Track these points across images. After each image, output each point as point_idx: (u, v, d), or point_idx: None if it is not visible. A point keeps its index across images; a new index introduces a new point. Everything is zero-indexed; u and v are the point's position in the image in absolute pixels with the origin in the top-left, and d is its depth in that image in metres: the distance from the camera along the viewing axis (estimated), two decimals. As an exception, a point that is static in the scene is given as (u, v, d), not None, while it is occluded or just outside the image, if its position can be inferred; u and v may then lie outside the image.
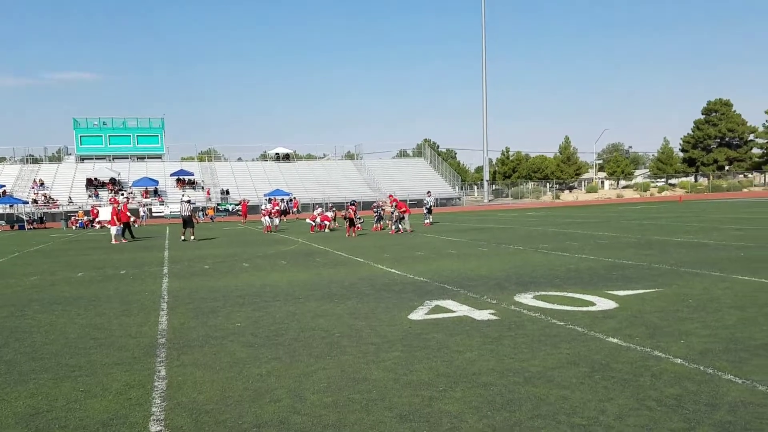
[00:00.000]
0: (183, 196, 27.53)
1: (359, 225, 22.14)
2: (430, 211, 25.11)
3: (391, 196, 24.87)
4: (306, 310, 7.04)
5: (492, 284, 8.41)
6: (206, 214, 41.93)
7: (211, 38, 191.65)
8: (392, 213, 21.19)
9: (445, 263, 11.17)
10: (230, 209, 47.23)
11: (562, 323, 5.92)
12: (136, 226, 35.00)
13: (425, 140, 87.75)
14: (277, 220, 25.27)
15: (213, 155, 69.65)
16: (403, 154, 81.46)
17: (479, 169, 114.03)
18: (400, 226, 20.93)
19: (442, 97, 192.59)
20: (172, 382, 4.65)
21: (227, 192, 54.28)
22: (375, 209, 22.81)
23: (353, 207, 20.96)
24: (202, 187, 56.25)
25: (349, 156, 76.19)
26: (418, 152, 74.17)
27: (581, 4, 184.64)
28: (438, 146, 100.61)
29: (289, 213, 39.29)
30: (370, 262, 11.71)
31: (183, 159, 70.30)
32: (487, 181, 70.10)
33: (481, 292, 7.79)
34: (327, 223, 23.54)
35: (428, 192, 26.28)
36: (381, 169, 66.62)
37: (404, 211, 21.21)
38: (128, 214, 22.91)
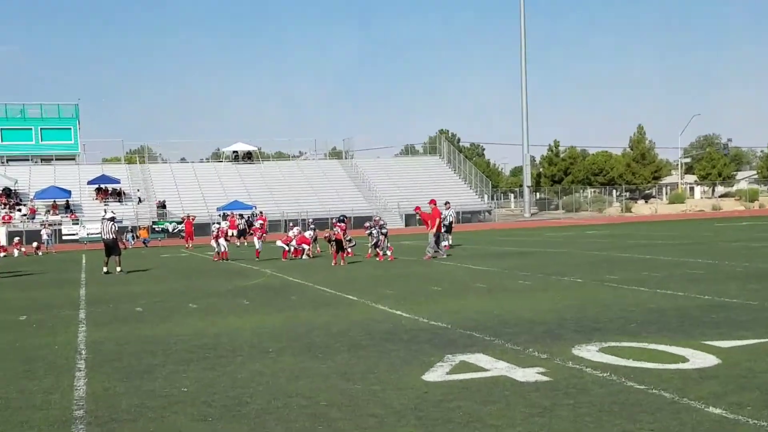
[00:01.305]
0: (105, 212, 27.61)
1: (350, 250, 22.19)
2: (449, 229, 25.18)
3: (433, 201, 25.27)
4: (279, 368, 7.00)
5: (540, 331, 8.38)
6: (137, 237, 42.04)
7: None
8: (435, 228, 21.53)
9: (472, 302, 11.17)
10: (170, 229, 47.39)
11: (641, 387, 5.86)
12: (39, 254, 35.10)
13: (441, 132, 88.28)
14: (258, 243, 25.22)
15: (147, 155, 70.29)
16: (409, 150, 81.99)
17: (517, 171, 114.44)
18: (430, 250, 21.26)
19: (464, 78, 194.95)
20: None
21: (164, 206, 54.65)
22: (369, 228, 22.32)
23: (342, 225, 20.95)
24: (134, 199, 56.62)
25: (335, 154, 76.56)
26: (431, 148, 74.62)
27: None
28: (458, 140, 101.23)
29: (247, 233, 39.36)
30: (366, 301, 11.73)
31: (105, 161, 70.98)
32: (528, 187, 70.31)
33: (525, 342, 7.76)
34: (306, 247, 23.59)
35: (446, 204, 26.36)
36: (379, 171, 67.03)
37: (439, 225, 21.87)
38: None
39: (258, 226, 26.40)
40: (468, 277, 15.50)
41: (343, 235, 20.54)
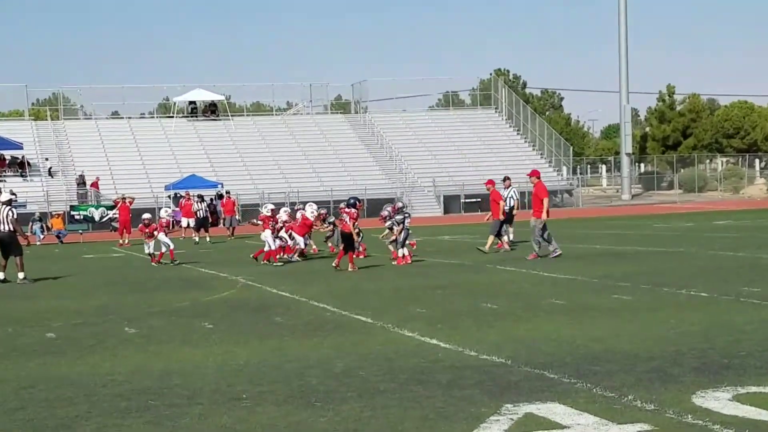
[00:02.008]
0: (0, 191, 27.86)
1: (361, 245, 22.13)
2: (510, 218, 25.11)
3: (507, 179, 25.50)
4: (257, 423, 7.03)
5: (644, 370, 8.34)
6: (48, 228, 42.38)
7: None
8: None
9: (543, 326, 11.17)
10: (96, 217, 47.72)
11: (795, 452, 5.82)
12: None
13: (498, 73, 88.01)
14: (166, 241, 24.76)
15: (63, 108, 70.64)
16: (451, 101, 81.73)
17: (612, 132, 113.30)
18: (534, 246, 21.61)
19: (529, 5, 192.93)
20: None
21: (83, 181, 54.80)
22: (389, 217, 21.96)
23: (353, 212, 20.84)
24: (42, 173, 56.96)
25: (340, 106, 76.56)
26: (484, 97, 74.51)
27: None
28: (524, 85, 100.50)
29: (210, 223, 39.38)
30: (386, 325, 11.74)
31: (2, 116, 71.39)
32: (628, 155, 69.73)
33: (622, 386, 7.73)
34: (302, 240, 23.50)
35: (505, 179, 26.26)
36: (405, 131, 67.13)
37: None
38: None
39: (166, 216, 25.59)
40: (537, 289, 15.43)
41: (353, 225, 20.46)
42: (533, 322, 11.60)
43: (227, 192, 44.82)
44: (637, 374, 8.18)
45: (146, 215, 25.14)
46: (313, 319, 12.70)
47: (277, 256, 23.07)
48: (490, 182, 24.85)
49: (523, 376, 8.26)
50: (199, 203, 39.71)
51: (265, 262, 22.81)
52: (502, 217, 23.81)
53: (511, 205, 25.21)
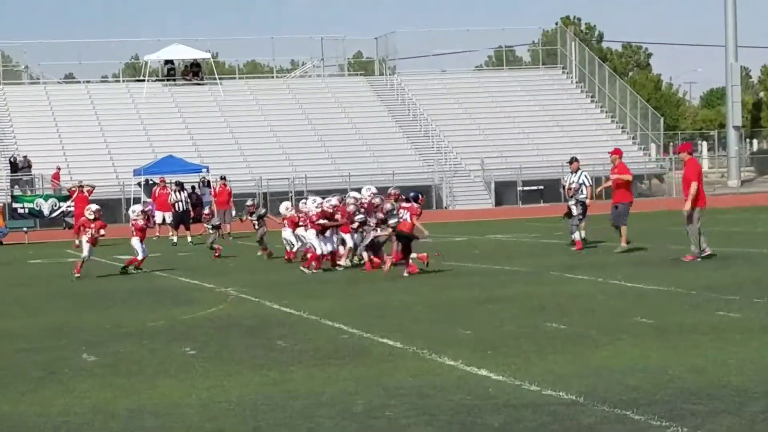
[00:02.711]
0: None
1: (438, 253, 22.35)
2: (583, 210, 25.15)
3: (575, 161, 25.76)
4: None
5: (758, 410, 8.28)
6: (-15, 225, 42.62)
7: None
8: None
9: (625, 352, 11.15)
10: (46, 211, 47.98)
11: None
12: None
13: (565, 22, 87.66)
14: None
15: (1, 70, 70.90)
16: (504, 59, 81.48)
17: (714, 99, 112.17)
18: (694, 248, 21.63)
19: None
20: None
21: (28, 164, 54.72)
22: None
23: (415, 207, 21.09)
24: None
25: (361, 65, 76.05)
26: (547, 54, 74.25)
27: None
28: (600, 38, 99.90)
29: (192, 218, 39.16)
30: (419, 351, 11.74)
31: None
32: (736, 128, 69.10)
33: (729, 430, 7.71)
34: (344, 239, 23.39)
35: (572, 161, 26.25)
36: (444, 98, 66.74)
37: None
38: None
39: (135, 216, 25.40)
40: (618, 304, 15.37)
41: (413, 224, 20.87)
42: (613, 347, 11.53)
43: (222, 178, 44.01)
44: (749, 416, 8.11)
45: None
46: (326, 343, 12.68)
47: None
48: (617, 151, 25.07)
49: (599, 418, 8.20)
50: (178, 193, 39.74)
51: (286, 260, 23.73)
52: (577, 211, 24.12)
53: (585, 195, 25.19)
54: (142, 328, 14.77)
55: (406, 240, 20.71)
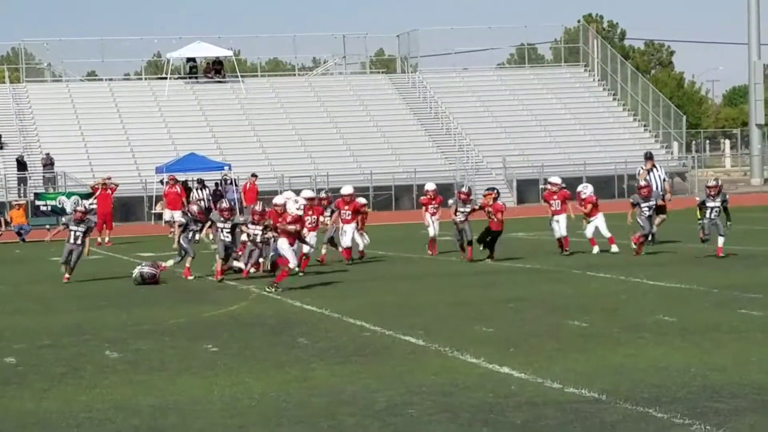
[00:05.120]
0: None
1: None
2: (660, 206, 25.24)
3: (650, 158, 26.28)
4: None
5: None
6: (6, 222, 42.70)
7: None
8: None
9: (646, 350, 11.16)
10: (69, 208, 48.03)
11: None
12: None
13: (588, 19, 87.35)
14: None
15: (24, 67, 71.01)
16: (527, 56, 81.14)
17: (737, 97, 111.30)
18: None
19: None
20: None
21: (51, 162, 54.72)
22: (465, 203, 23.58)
23: (499, 204, 23.15)
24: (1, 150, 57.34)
25: (383, 63, 75.95)
26: (569, 52, 73.94)
27: None
28: (623, 35, 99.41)
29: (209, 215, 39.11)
30: (442, 348, 11.76)
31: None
32: (759, 126, 68.55)
33: (752, 428, 7.71)
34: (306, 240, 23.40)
35: (648, 158, 26.35)
36: (466, 96, 66.58)
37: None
38: None
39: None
40: (640, 302, 15.35)
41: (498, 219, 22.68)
42: (635, 345, 11.52)
43: (253, 175, 44.14)
44: (771, 414, 8.12)
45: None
46: (348, 340, 12.70)
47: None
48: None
49: (621, 416, 8.20)
50: (200, 191, 39.65)
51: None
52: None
53: (663, 188, 25.45)
54: (163, 325, 14.83)
55: (491, 238, 22.71)
